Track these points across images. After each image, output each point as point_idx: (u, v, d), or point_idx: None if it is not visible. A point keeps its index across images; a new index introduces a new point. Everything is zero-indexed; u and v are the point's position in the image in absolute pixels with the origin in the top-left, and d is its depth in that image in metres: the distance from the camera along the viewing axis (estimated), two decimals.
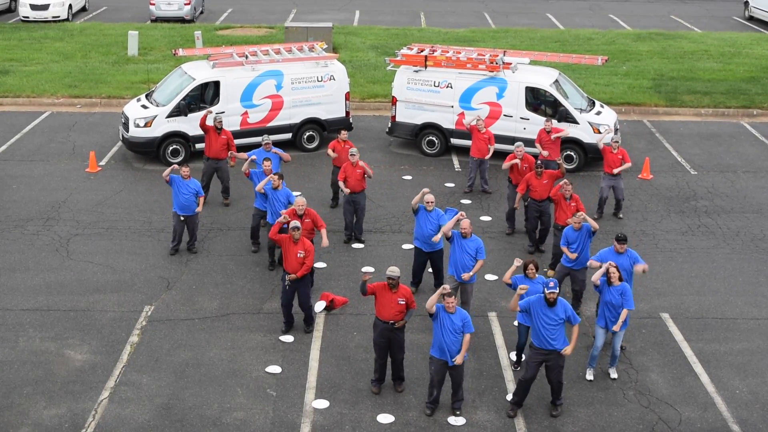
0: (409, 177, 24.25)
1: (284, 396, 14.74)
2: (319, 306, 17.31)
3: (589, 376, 15.34)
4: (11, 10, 46.39)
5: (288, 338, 16.38)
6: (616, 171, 21.26)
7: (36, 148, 25.97)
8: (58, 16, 43.09)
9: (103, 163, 24.94)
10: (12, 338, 16.24)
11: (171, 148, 24.51)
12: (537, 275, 15.18)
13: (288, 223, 16.59)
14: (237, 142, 24.32)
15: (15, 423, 13.94)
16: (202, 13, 46.73)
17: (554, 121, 23.20)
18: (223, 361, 15.66)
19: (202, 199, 19.40)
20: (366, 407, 14.47)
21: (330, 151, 21.54)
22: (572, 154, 24.55)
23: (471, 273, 16.17)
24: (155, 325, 16.77)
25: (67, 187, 23.08)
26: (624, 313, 14.84)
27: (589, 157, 24.57)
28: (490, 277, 18.74)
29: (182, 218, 19.28)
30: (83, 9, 47.13)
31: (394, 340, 14.62)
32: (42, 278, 18.40)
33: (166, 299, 17.70)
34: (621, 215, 21.82)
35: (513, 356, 15.90)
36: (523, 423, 14.17)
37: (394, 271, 14.41)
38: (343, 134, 21.52)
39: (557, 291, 13.82)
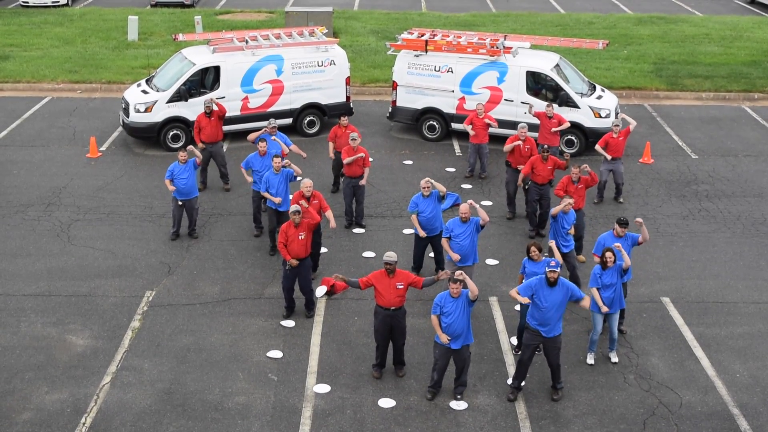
0: (409, 162, 24.23)
1: (285, 380, 14.77)
2: (320, 291, 17.27)
3: (590, 360, 15.37)
4: None
5: (289, 323, 16.40)
6: (633, 123, 21.71)
7: (36, 134, 25.95)
8: (58, 2, 43.05)
9: (103, 148, 24.92)
10: (14, 323, 16.27)
11: (171, 133, 24.50)
12: (542, 257, 15.16)
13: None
14: (238, 127, 24.38)
15: (17, 408, 13.98)
16: None
17: (555, 106, 23.12)
18: (224, 346, 15.69)
19: (198, 161, 19.36)
20: (367, 392, 14.51)
21: (330, 144, 21.55)
22: (573, 138, 24.52)
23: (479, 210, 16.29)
24: (156, 310, 16.80)
25: (68, 173, 23.07)
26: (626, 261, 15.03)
27: (590, 141, 24.53)
28: (491, 261, 18.76)
29: (180, 203, 19.27)
30: None
31: (396, 326, 14.62)
32: (43, 264, 18.41)
33: (167, 284, 17.72)
34: (621, 200, 21.81)
35: (514, 341, 15.93)
36: (524, 407, 14.21)
37: (390, 256, 14.39)
38: (344, 120, 21.49)
39: (558, 270, 13.78)
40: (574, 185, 18.42)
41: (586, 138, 24.53)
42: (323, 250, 19.01)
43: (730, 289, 17.95)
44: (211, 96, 22.76)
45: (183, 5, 43.48)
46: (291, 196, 18.03)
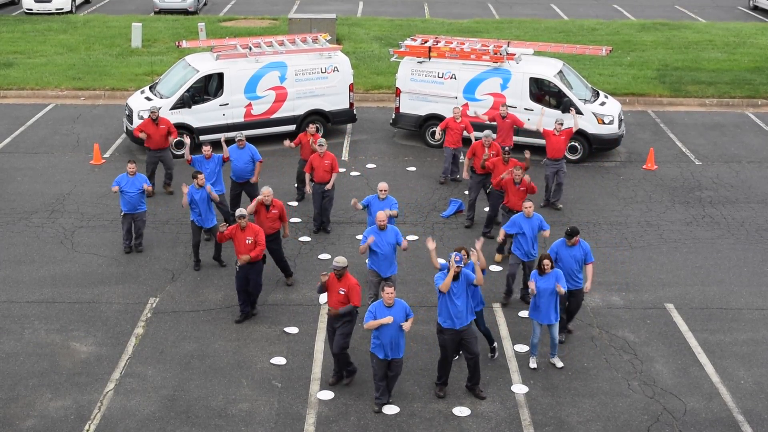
0: (413, 168, 24.24)
1: (289, 387, 14.77)
2: (323, 298, 17.32)
3: (533, 364, 15.33)
4: (15, 2, 46.42)
5: (293, 330, 16.40)
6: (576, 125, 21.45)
7: (40, 141, 25.99)
8: (62, 9, 43.13)
9: (107, 155, 24.95)
10: (17, 330, 16.28)
11: (175, 140, 24.47)
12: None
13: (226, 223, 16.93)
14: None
15: (21, 415, 13.98)
16: (205, 4, 46.69)
17: (507, 108, 22.88)
18: (228, 353, 15.69)
19: (149, 189, 19.07)
20: (371, 398, 14.48)
21: (287, 143, 21.48)
22: (576, 145, 24.51)
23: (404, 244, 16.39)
24: (160, 316, 16.80)
25: (72, 180, 23.10)
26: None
27: (594, 147, 24.53)
28: (494, 267, 18.74)
29: (123, 214, 18.94)
30: (86, 1, 47.15)
31: (335, 331, 14.61)
32: (47, 270, 18.43)
33: (170, 291, 17.72)
34: (560, 205, 21.63)
35: (518, 347, 15.91)
36: (527, 413, 14.18)
37: (339, 261, 14.35)
38: (311, 128, 21.41)
39: (461, 265, 13.89)
40: (516, 186, 18.48)
41: (589, 145, 24.51)
42: (326, 256, 19.03)
43: (735, 295, 17.93)
44: (153, 107, 22.60)
45: (187, 12, 43.56)
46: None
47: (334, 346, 14.64)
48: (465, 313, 14.10)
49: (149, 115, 21.91)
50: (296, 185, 22.04)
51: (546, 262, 14.85)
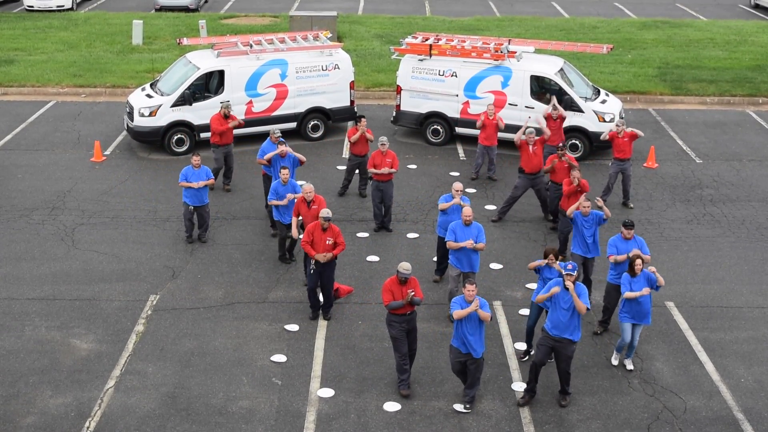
0: (414, 166, 24.23)
1: (289, 385, 14.77)
2: None
3: (614, 361, 15.41)
4: None
5: (293, 327, 16.40)
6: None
7: (41, 138, 25.99)
8: (63, 6, 43.18)
9: (108, 152, 24.95)
10: (18, 327, 16.28)
11: (176, 137, 24.52)
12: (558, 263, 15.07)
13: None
14: (241, 132, 24.31)
15: (21, 412, 13.98)
16: (206, 2, 46.70)
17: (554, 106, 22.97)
18: (228, 350, 15.69)
19: (211, 182, 19.35)
20: (371, 396, 14.50)
21: (348, 138, 21.81)
22: (577, 142, 24.50)
23: (481, 244, 16.12)
24: (160, 314, 16.80)
25: (72, 177, 23.10)
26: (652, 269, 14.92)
27: (594, 145, 24.52)
28: (495, 266, 18.74)
29: (192, 208, 19.29)
30: None
31: (411, 331, 14.57)
32: (47, 267, 18.43)
33: (171, 288, 17.72)
34: (632, 204, 21.72)
35: (518, 345, 15.87)
36: (528, 412, 14.18)
37: (406, 268, 14.22)
38: (363, 122, 21.51)
39: (574, 274, 13.79)
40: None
41: (590, 142, 24.51)
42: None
43: (735, 293, 17.92)
44: (226, 102, 22.63)
45: (187, 9, 43.55)
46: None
47: (414, 344, 14.62)
48: (568, 325, 13.88)
49: (221, 111, 21.89)
50: (359, 182, 22.10)
51: (638, 261, 14.74)
